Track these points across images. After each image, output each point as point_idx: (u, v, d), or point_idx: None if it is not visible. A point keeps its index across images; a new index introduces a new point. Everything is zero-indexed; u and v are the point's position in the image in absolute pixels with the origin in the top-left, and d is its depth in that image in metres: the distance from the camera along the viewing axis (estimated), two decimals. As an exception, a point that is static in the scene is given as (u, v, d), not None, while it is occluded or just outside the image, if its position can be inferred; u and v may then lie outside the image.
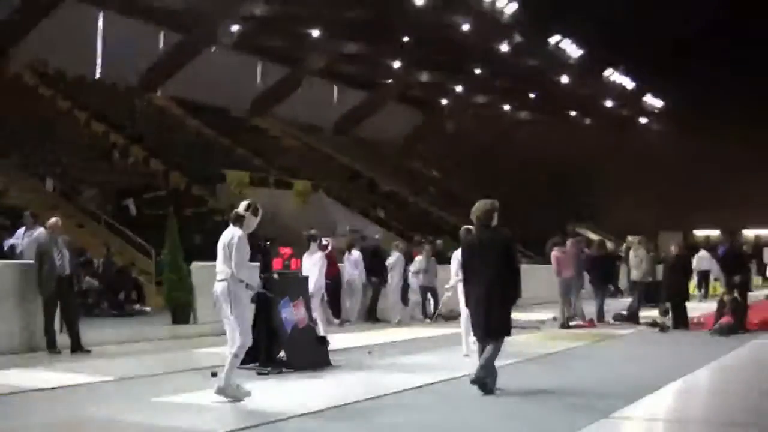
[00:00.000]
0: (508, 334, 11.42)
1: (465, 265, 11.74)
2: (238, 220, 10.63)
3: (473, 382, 10.92)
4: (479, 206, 11.74)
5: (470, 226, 14.70)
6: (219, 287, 10.49)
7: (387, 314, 23.52)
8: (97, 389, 11.53)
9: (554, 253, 21.89)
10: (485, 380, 10.95)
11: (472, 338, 14.84)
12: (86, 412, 9.76)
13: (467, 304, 11.96)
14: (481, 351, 11.25)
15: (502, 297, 11.30)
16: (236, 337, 10.41)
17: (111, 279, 23.65)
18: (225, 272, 10.46)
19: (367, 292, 23.39)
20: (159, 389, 11.14)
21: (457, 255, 15.15)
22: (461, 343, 15.15)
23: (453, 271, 15.41)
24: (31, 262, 15.78)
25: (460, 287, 15.03)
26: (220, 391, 10.30)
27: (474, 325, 11.59)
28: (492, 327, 11.21)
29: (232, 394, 10.29)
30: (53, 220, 16.07)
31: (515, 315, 22.89)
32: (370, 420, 9.61)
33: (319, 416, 9.67)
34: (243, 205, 10.83)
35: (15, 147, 32.88)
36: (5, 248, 19.47)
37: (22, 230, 19.18)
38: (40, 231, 18.41)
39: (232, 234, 10.54)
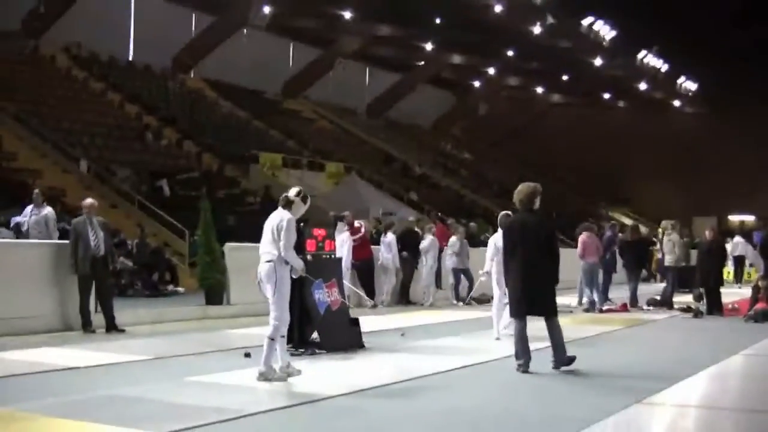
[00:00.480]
0: (557, 313, 11.77)
1: (508, 247, 11.71)
2: (288, 205, 10.77)
3: (557, 367, 11.45)
4: (523, 189, 11.83)
5: (508, 211, 14.76)
6: (264, 268, 10.57)
7: (420, 297, 23.56)
8: (131, 368, 11.61)
9: (582, 237, 21.88)
10: (566, 358, 11.53)
11: (504, 321, 14.90)
12: (120, 390, 9.81)
13: (508, 284, 12.01)
14: (520, 329, 11.46)
15: (548, 277, 11.58)
16: (270, 319, 10.49)
17: (145, 260, 23.76)
18: (271, 254, 10.54)
19: (399, 275, 23.44)
20: (192, 369, 11.19)
21: (494, 239, 15.17)
22: (493, 327, 15.19)
23: (489, 256, 15.41)
24: (66, 242, 15.89)
25: (495, 271, 15.11)
26: (262, 377, 10.40)
27: (516, 301, 11.62)
28: (548, 306, 11.59)
29: (276, 376, 10.39)
30: (89, 201, 16.17)
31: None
32: (402, 402, 9.61)
33: (351, 397, 9.68)
34: (294, 190, 11.02)
35: (50, 129, 33.06)
36: (11, 225, 19.41)
37: (29, 208, 18.86)
38: (47, 210, 18.53)
39: (281, 217, 10.63)
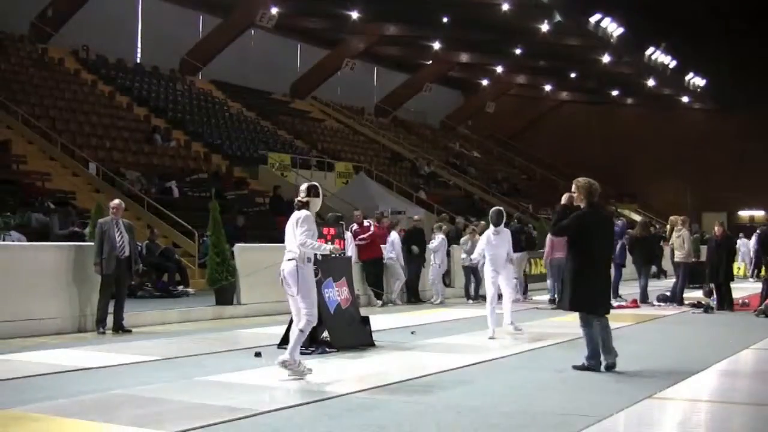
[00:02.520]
0: None
1: (579, 243, 11.37)
2: (303, 207, 10.89)
3: (609, 368, 11.23)
4: (593, 183, 11.48)
5: (500, 207, 14.90)
6: (287, 267, 10.73)
7: (429, 295, 23.61)
8: (143, 369, 11.64)
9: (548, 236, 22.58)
10: (615, 361, 11.32)
11: (507, 318, 14.96)
12: (132, 390, 9.85)
13: (574, 280, 11.42)
14: (605, 325, 11.35)
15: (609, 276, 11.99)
16: (302, 314, 10.63)
17: (155, 261, 23.80)
18: (293, 252, 10.68)
19: (406, 273, 23.44)
20: (203, 369, 11.23)
21: (487, 235, 15.27)
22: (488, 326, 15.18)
23: (479, 250, 15.48)
24: (82, 244, 15.99)
25: (489, 269, 15.08)
26: (284, 365, 10.51)
27: (596, 298, 11.36)
28: (608, 306, 11.63)
29: (295, 369, 10.50)
30: (116, 202, 16.34)
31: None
32: (413, 399, 9.62)
33: (362, 395, 9.71)
34: (303, 191, 11.05)
35: (59, 132, 33.15)
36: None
37: None
38: None
39: (299, 215, 10.78)
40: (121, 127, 37.39)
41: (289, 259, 10.73)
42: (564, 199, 11.48)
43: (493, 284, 15.09)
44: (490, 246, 15.10)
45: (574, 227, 11.28)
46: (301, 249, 10.62)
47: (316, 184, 11.32)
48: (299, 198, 10.98)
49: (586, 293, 11.27)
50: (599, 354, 11.27)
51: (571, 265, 11.46)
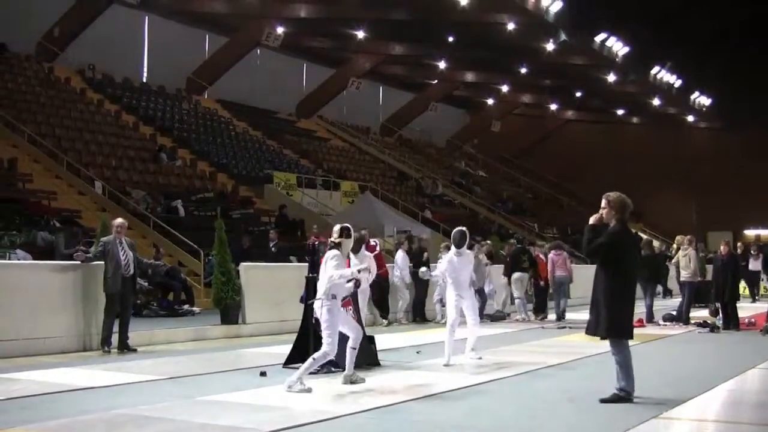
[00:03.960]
0: None
1: (608, 262, 10.63)
2: (336, 247, 11.41)
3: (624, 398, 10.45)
4: (625, 199, 10.78)
5: (463, 228, 14.58)
6: (316, 306, 11.42)
7: (434, 314, 23.55)
8: (147, 388, 11.63)
9: (550, 255, 24.73)
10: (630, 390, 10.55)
11: (471, 344, 14.52)
12: (135, 410, 9.83)
13: (607, 303, 10.62)
14: (629, 352, 10.73)
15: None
16: (323, 344, 11.18)
17: (160, 280, 23.78)
18: (320, 292, 11.32)
19: (412, 292, 23.39)
20: (208, 388, 11.20)
21: (448, 257, 14.56)
22: (462, 350, 14.66)
23: (441, 269, 14.77)
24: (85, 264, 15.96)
25: (451, 293, 14.41)
26: (290, 385, 10.89)
27: (623, 321, 10.69)
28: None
29: (298, 389, 10.81)
30: (120, 220, 16.32)
31: (567, 315, 23.13)
32: (419, 419, 9.60)
33: (368, 415, 9.68)
34: (336, 232, 11.58)
35: (65, 151, 33.21)
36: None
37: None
38: None
39: (329, 254, 11.36)
40: (126, 146, 37.45)
41: (318, 299, 11.34)
42: (593, 219, 10.86)
43: (455, 308, 14.33)
44: (453, 269, 14.34)
45: (610, 245, 10.58)
46: (326, 286, 11.17)
47: (349, 225, 11.78)
48: (332, 239, 11.50)
49: (626, 317, 10.73)
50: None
51: (608, 287, 10.61)
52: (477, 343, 14.78)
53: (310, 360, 11.12)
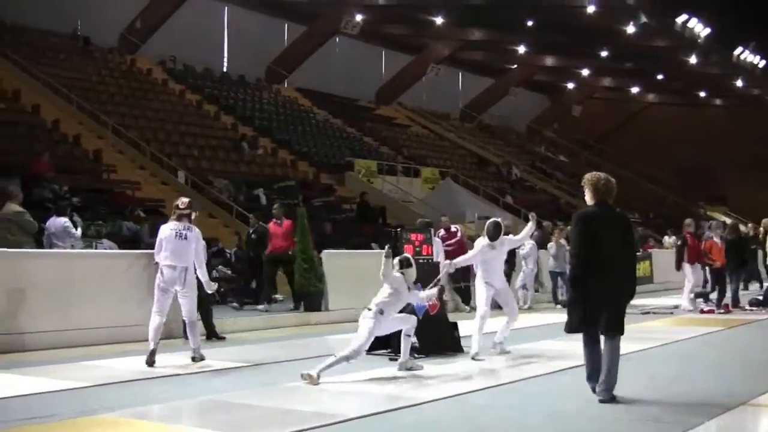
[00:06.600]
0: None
1: (583, 249, 9.59)
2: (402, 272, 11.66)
3: (606, 400, 9.38)
4: (604, 178, 9.84)
5: (497, 219, 14.22)
6: (363, 314, 11.53)
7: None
8: (232, 375, 11.75)
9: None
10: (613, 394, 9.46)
11: (501, 335, 14.23)
12: (221, 396, 9.92)
13: (576, 292, 9.81)
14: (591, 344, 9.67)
15: (627, 288, 9.78)
16: (352, 344, 11.18)
17: (243, 268, 23.93)
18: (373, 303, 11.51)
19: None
20: (292, 375, 11.24)
21: (479, 246, 13.93)
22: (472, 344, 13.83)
23: (467, 260, 14.28)
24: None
25: (481, 282, 13.92)
26: (308, 376, 10.71)
27: (582, 312, 9.58)
28: (619, 322, 9.61)
29: (314, 383, 10.61)
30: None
31: (649, 301, 22.82)
32: (504, 405, 9.56)
33: (452, 402, 9.66)
34: (397, 264, 11.71)
35: (148, 141, 33.62)
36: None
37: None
38: None
39: (392, 279, 11.56)
40: (208, 135, 37.80)
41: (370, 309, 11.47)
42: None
43: (486, 300, 13.89)
44: (484, 260, 13.84)
45: (582, 237, 9.65)
46: (381, 301, 11.48)
47: (409, 256, 12.18)
48: (396, 270, 11.66)
49: (579, 309, 9.68)
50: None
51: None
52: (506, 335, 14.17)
53: (333, 357, 10.97)
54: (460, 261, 14.01)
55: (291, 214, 21.37)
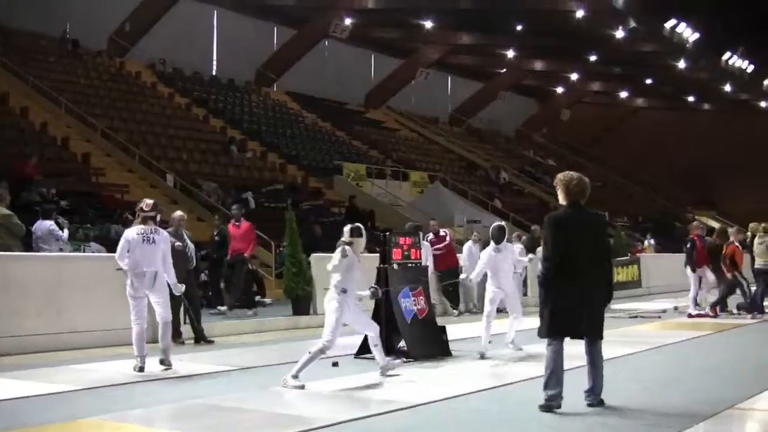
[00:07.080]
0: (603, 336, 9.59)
1: (553, 251, 9.41)
2: (350, 245, 11.24)
3: (594, 404, 9.28)
4: (576, 178, 9.73)
5: (502, 223, 14.42)
6: (325, 298, 11.32)
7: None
8: (221, 378, 11.73)
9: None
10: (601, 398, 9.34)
11: (510, 336, 14.35)
12: (210, 400, 9.91)
13: (545, 295, 9.49)
14: (556, 351, 9.32)
15: (603, 292, 9.49)
16: (322, 337, 10.96)
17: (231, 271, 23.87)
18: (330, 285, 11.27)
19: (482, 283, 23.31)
20: (281, 378, 11.24)
21: (488, 252, 14.26)
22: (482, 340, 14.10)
23: (478, 271, 14.48)
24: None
25: (489, 285, 14.31)
26: (285, 381, 10.66)
27: (555, 316, 9.26)
28: (597, 326, 9.41)
29: (292, 385, 10.54)
30: (179, 213, 16.31)
31: (637, 305, 22.81)
32: (492, 408, 9.56)
33: (440, 405, 9.66)
34: (347, 232, 11.40)
35: (136, 144, 33.59)
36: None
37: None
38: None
39: (337, 251, 11.28)
40: (197, 139, 37.80)
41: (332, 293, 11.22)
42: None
43: (493, 301, 14.13)
44: (493, 264, 14.08)
45: (552, 240, 9.54)
46: (336, 279, 11.15)
47: (360, 225, 11.65)
48: (343, 239, 11.32)
49: (550, 314, 9.35)
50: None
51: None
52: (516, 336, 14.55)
53: (307, 355, 10.80)
54: (476, 274, 14.44)
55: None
